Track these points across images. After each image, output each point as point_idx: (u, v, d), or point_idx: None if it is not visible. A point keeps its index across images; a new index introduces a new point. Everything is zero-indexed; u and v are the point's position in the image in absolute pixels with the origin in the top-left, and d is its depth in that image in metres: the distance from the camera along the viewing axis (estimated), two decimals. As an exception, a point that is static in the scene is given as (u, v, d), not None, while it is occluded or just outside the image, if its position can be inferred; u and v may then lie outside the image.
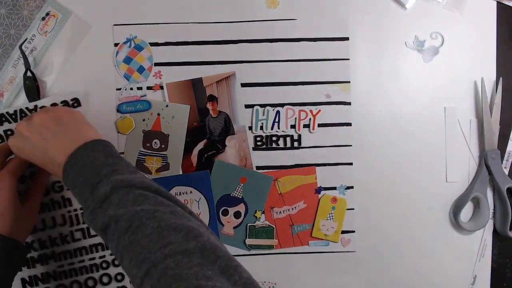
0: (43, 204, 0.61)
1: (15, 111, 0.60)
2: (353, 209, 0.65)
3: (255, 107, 0.63)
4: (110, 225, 0.42)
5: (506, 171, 0.65)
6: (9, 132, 0.61)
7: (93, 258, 0.62)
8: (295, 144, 0.64)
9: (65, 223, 0.62)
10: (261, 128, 0.63)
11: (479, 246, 0.65)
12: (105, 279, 0.62)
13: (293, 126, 0.64)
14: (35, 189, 0.58)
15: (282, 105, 0.63)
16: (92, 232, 0.62)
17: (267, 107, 0.63)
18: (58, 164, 0.48)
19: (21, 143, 0.51)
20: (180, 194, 0.63)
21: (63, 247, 0.62)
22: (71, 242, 0.62)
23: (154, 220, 0.41)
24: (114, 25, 0.62)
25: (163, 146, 0.63)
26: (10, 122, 0.60)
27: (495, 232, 0.65)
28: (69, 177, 0.47)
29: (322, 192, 0.64)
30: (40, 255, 0.61)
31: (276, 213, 0.64)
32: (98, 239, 0.62)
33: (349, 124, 0.64)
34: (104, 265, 0.62)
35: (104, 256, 0.62)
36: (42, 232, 0.61)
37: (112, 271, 0.62)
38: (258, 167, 0.64)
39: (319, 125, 0.64)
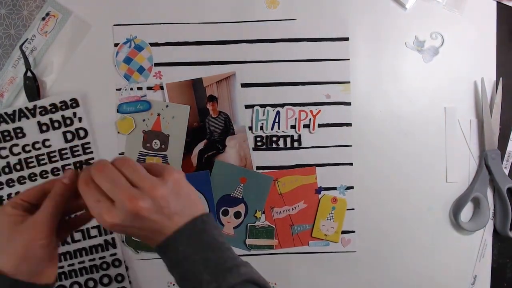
0: None
1: (14, 111, 0.60)
2: (353, 209, 0.65)
3: (255, 107, 0.63)
4: None
5: (506, 171, 0.65)
6: (5, 133, 0.60)
7: (93, 259, 0.62)
8: (295, 144, 0.64)
9: None
10: (261, 128, 0.63)
11: (479, 246, 0.65)
12: (105, 280, 0.62)
13: (293, 126, 0.64)
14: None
15: (282, 105, 0.63)
16: (92, 233, 0.62)
17: (267, 107, 0.63)
18: (162, 232, 0.40)
19: (131, 221, 0.38)
20: (180, 194, 0.63)
21: (63, 248, 0.62)
22: (71, 243, 0.62)
23: None
24: (114, 25, 0.62)
25: (163, 146, 0.63)
26: (7, 123, 0.60)
27: (495, 232, 0.65)
28: (178, 248, 0.40)
29: (322, 192, 0.64)
30: None
31: (276, 213, 0.64)
32: (98, 240, 0.62)
33: (349, 124, 0.64)
34: (104, 266, 0.62)
35: (104, 257, 0.62)
36: None
37: (112, 272, 0.63)
38: (258, 167, 0.64)
39: (319, 125, 0.64)
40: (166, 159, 0.63)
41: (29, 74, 0.60)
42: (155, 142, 0.63)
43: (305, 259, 0.65)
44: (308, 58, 0.63)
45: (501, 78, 0.64)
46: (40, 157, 0.61)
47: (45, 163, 0.61)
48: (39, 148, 0.61)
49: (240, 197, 0.63)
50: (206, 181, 0.63)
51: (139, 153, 0.63)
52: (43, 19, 0.61)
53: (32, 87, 0.61)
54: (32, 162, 0.61)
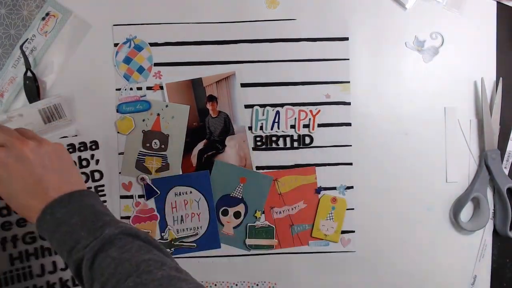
0: (44, 248, 0.57)
1: None
2: (353, 209, 0.64)
3: (255, 107, 0.63)
4: (108, 266, 0.41)
5: (506, 171, 0.65)
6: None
7: None
8: (295, 144, 0.64)
9: (67, 268, 0.58)
10: (261, 128, 0.63)
11: (479, 246, 0.65)
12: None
13: (293, 126, 0.64)
14: None
15: (282, 105, 0.63)
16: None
17: (267, 107, 0.63)
18: (42, 199, 0.45)
19: (14, 163, 0.45)
20: (180, 194, 0.63)
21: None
22: (72, 287, 0.59)
23: (163, 270, 0.40)
24: (114, 25, 0.62)
25: (163, 146, 0.63)
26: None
27: (495, 232, 0.65)
28: (56, 215, 0.44)
29: (322, 192, 0.64)
30: None
31: (276, 213, 0.64)
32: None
33: (349, 124, 0.64)
34: None
35: None
36: (39, 278, 0.58)
37: None
38: (258, 167, 0.64)
39: (319, 125, 0.64)
40: (166, 159, 0.63)
41: (29, 74, 0.60)
42: (155, 142, 0.63)
43: (305, 259, 0.65)
44: (308, 58, 0.63)
45: (501, 78, 0.64)
46: None
47: None
48: None
49: (240, 197, 0.63)
50: (205, 181, 0.63)
51: (139, 153, 0.63)
52: (43, 19, 0.62)
53: (32, 87, 0.61)
54: None
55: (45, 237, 0.46)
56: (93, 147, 0.61)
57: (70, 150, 0.61)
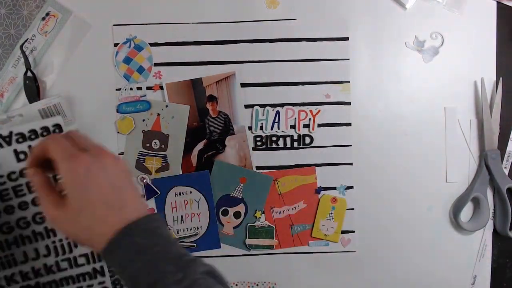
0: (23, 237, 0.57)
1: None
2: (353, 209, 0.64)
3: (255, 107, 0.63)
4: None
5: (506, 171, 0.65)
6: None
7: (81, 287, 0.60)
8: (295, 144, 0.64)
9: (49, 254, 0.58)
10: (261, 128, 0.63)
11: (479, 246, 0.65)
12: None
13: (293, 126, 0.64)
14: None
15: (282, 105, 0.63)
16: (80, 261, 0.59)
17: (267, 107, 0.63)
18: (119, 216, 0.41)
19: (97, 170, 0.41)
20: (180, 194, 0.63)
21: (49, 277, 0.59)
22: (56, 272, 0.59)
23: None
24: (114, 25, 0.62)
25: (163, 146, 0.63)
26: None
27: (495, 232, 0.65)
28: (135, 239, 0.40)
29: (322, 192, 0.64)
30: (23, 286, 0.58)
31: (276, 213, 0.64)
32: (86, 269, 0.59)
33: (349, 124, 0.64)
34: None
35: (91, 286, 0.60)
36: (23, 265, 0.58)
37: None
38: (258, 167, 0.64)
39: (319, 125, 0.64)
40: (166, 159, 0.63)
41: (29, 74, 0.60)
42: (155, 142, 0.63)
43: (305, 259, 0.65)
44: (308, 58, 0.63)
45: (501, 78, 0.64)
46: (18, 188, 0.56)
47: (24, 194, 0.56)
48: (16, 179, 0.56)
49: (240, 197, 0.63)
50: (205, 181, 0.63)
51: (139, 153, 0.63)
52: (43, 19, 0.62)
53: (32, 87, 0.61)
54: (7, 194, 0.56)
55: (115, 264, 0.40)
56: (56, 130, 0.57)
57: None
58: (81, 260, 0.60)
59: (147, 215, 0.42)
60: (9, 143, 0.56)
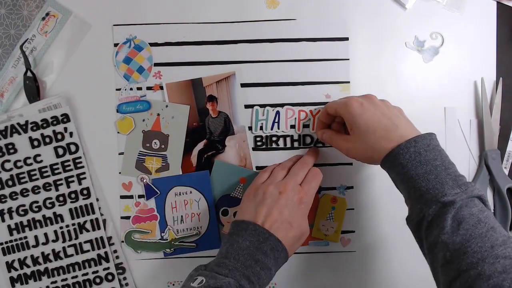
0: (35, 221, 0.61)
1: (6, 127, 0.60)
2: (353, 209, 0.65)
3: (255, 107, 0.63)
4: (474, 223, 0.43)
5: (506, 171, 0.65)
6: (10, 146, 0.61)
7: (86, 274, 0.62)
8: (295, 144, 0.64)
9: (57, 239, 0.62)
10: (261, 128, 0.63)
11: (479, 246, 0.65)
12: (98, 295, 0.62)
13: (293, 126, 0.64)
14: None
15: (282, 105, 0.63)
16: (85, 248, 0.62)
17: (267, 107, 0.63)
18: (394, 138, 0.50)
19: (369, 105, 0.53)
20: (180, 194, 0.63)
21: (56, 263, 0.62)
22: (64, 258, 0.62)
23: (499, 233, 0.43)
24: (114, 25, 0.63)
25: (163, 146, 0.63)
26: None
27: (495, 232, 0.65)
28: (419, 149, 0.48)
29: (322, 192, 0.64)
30: (33, 271, 0.61)
31: (276, 213, 0.64)
32: (91, 255, 0.62)
33: (349, 124, 0.64)
34: (98, 280, 0.62)
35: (97, 272, 0.62)
36: (34, 249, 0.61)
37: (106, 286, 0.62)
38: (258, 167, 0.64)
39: (319, 125, 0.64)
40: (166, 159, 0.63)
41: (29, 74, 0.61)
42: (155, 142, 0.63)
43: (305, 259, 0.65)
44: (308, 58, 0.63)
45: (501, 78, 0.64)
46: (32, 173, 0.61)
47: (37, 179, 0.61)
48: (31, 164, 0.61)
49: (240, 197, 0.63)
50: (205, 181, 0.63)
51: (139, 153, 0.63)
52: (43, 19, 0.62)
53: (32, 87, 0.61)
54: (24, 177, 0.61)
55: (396, 167, 0.49)
56: (65, 120, 0.61)
57: (45, 125, 0.62)
58: (86, 246, 0.62)
59: (429, 133, 0.50)
60: (25, 131, 0.61)
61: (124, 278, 0.63)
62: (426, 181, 0.46)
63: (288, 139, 0.64)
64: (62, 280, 0.62)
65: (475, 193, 0.46)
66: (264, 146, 0.64)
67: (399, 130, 0.50)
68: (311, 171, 0.58)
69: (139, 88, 0.63)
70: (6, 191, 0.61)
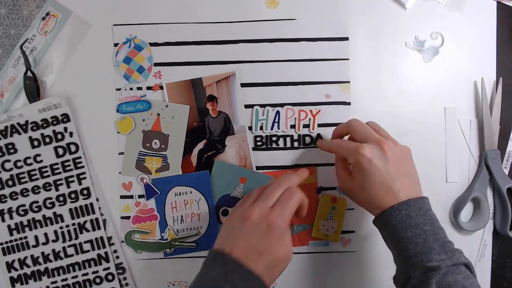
0: (35, 221, 0.61)
1: (6, 127, 0.61)
2: (353, 209, 0.64)
3: (255, 107, 0.63)
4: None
5: (506, 171, 0.65)
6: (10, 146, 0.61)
7: (86, 274, 0.62)
8: (295, 144, 0.64)
9: (57, 239, 0.62)
10: (261, 128, 0.63)
11: (479, 246, 0.65)
12: (98, 295, 0.62)
13: (293, 126, 0.64)
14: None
15: (282, 105, 0.63)
16: (85, 248, 0.62)
17: (267, 107, 0.63)
18: (393, 197, 0.50)
19: (375, 158, 0.51)
20: (180, 194, 0.63)
21: (56, 263, 0.62)
22: (64, 258, 0.62)
23: None
24: (114, 25, 0.63)
25: (163, 146, 0.63)
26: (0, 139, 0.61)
27: (495, 232, 0.65)
28: (410, 213, 0.49)
29: (322, 192, 0.64)
30: (33, 271, 0.61)
31: (276, 213, 0.64)
32: (91, 255, 0.62)
33: (349, 124, 0.64)
34: (98, 280, 0.62)
35: (97, 272, 0.62)
36: (34, 249, 0.61)
37: (106, 286, 0.62)
38: (258, 167, 0.64)
39: (319, 125, 0.64)
40: (166, 159, 0.63)
41: (29, 74, 0.61)
42: (155, 142, 0.63)
43: (305, 259, 0.65)
44: (308, 58, 0.63)
45: (501, 78, 0.64)
46: (32, 173, 0.61)
47: (37, 178, 0.61)
48: (31, 164, 0.61)
49: (240, 197, 0.63)
50: (205, 181, 0.63)
51: (139, 153, 0.63)
52: (43, 19, 0.62)
53: (32, 87, 0.61)
54: (24, 177, 0.61)
55: (387, 227, 0.50)
56: (65, 120, 0.61)
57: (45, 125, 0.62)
58: (87, 246, 0.62)
59: (421, 197, 0.51)
60: (25, 131, 0.61)
61: (124, 278, 0.63)
62: (414, 244, 0.48)
63: (288, 139, 0.64)
64: (62, 280, 0.62)
65: (461, 260, 0.47)
66: (264, 146, 0.64)
67: (396, 190, 0.50)
68: (286, 190, 0.53)
69: (139, 88, 0.63)
70: (6, 191, 0.61)
